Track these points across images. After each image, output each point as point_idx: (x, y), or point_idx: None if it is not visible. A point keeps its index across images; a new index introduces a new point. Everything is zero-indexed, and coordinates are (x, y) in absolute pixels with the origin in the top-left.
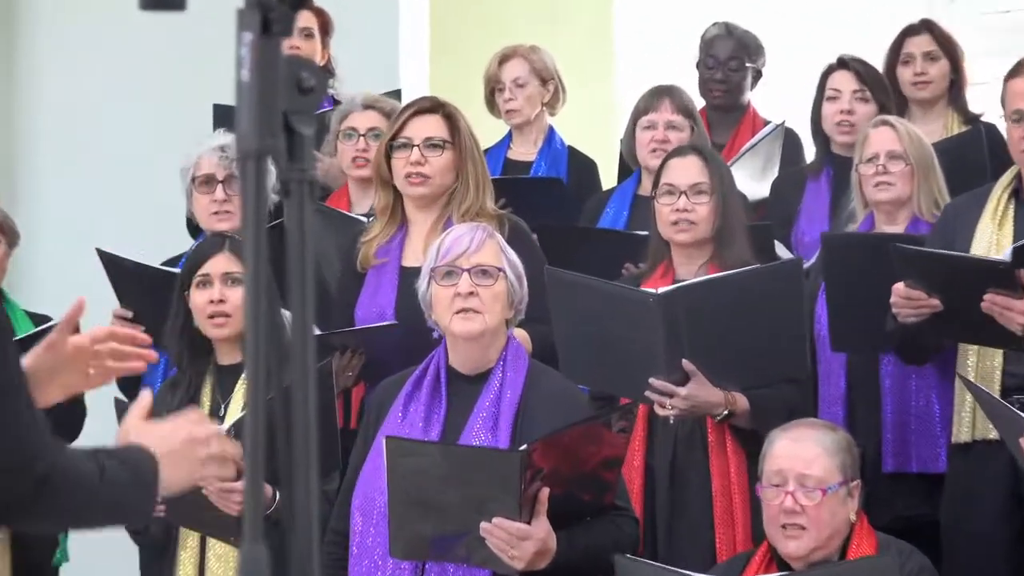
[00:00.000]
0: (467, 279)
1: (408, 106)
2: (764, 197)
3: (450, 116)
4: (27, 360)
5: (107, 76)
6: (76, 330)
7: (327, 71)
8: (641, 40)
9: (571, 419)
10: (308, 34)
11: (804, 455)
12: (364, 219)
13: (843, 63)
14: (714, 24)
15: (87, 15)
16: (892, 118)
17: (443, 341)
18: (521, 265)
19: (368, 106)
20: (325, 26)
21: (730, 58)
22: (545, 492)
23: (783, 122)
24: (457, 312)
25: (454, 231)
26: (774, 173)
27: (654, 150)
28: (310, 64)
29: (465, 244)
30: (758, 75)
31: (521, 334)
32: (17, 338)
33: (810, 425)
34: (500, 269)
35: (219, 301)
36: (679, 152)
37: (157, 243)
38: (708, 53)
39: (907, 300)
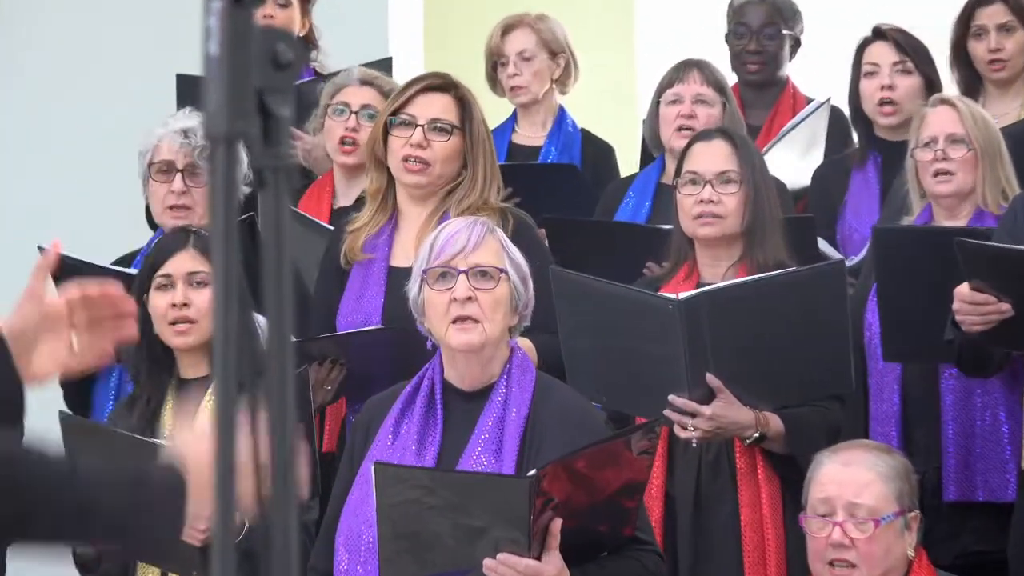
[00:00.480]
0: (464, 282)
1: (416, 80)
2: (807, 185)
3: (463, 99)
4: (12, 318)
5: (57, 45)
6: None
7: (308, 42)
8: (665, 9)
9: (585, 440)
10: (283, 3)
11: (855, 481)
12: (330, 228)
13: (879, 33)
14: None
15: None
16: (953, 96)
17: (438, 352)
18: (526, 264)
19: (366, 82)
20: None
21: (764, 25)
22: (557, 523)
23: (828, 98)
24: (454, 321)
25: (449, 226)
26: (819, 158)
27: (680, 128)
28: (287, 36)
29: (462, 242)
30: (797, 44)
31: (526, 345)
32: None
33: (862, 447)
34: (502, 270)
35: (182, 305)
36: (704, 136)
37: (111, 237)
38: (738, 21)
39: (973, 305)
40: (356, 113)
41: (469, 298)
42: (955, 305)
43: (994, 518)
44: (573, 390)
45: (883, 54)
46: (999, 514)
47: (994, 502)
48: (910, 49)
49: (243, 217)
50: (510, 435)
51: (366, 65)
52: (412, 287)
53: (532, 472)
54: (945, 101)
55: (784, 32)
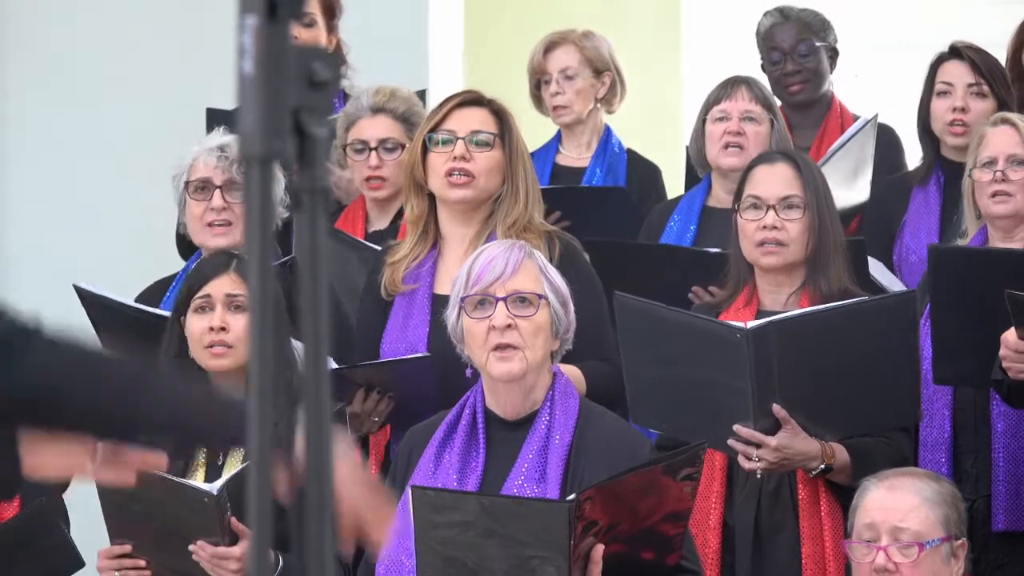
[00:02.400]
0: (503, 310)
1: (451, 97)
2: (857, 204)
3: (499, 112)
4: None
5: (85, 74)
6: None
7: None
8: (712, 29)
9: (630, 466)
10: (308, 22)
11: (900, 506)
12: (377, 247)
13: (956, 52)
14: (765, 14)
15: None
16: (1015, 116)
17: (479, 381)
18: (566, 288)
19: (377, 109)
20: (330, 8)
21: (797, 43)
22: (599, 549)
23: (876, 115)
24: (494, 349)
25: (485, 251)
26: (868, 176)
27: (727, 145)
28: (324, 53)
29: (499, 268)
30: (834, 53)
31: (574, 373)
32: None
33: (909, 474)
34: (541, 296)
35: (219, 329)
36: (766, 158)
37: (142, 269)
38: (771, 47)
39: (1019, 354)
40: (375, 149)
41: (509, 326)
42: (1002, 352)
43: None
44: (618, 417)
45: (958, 74)
46: None
47: None
48: (986, 71)
49: (285, 260)
50: (554, 463)
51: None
52: (451, 315)
53: (572, 496)
54: (1007, 120)
55: (818, 45)
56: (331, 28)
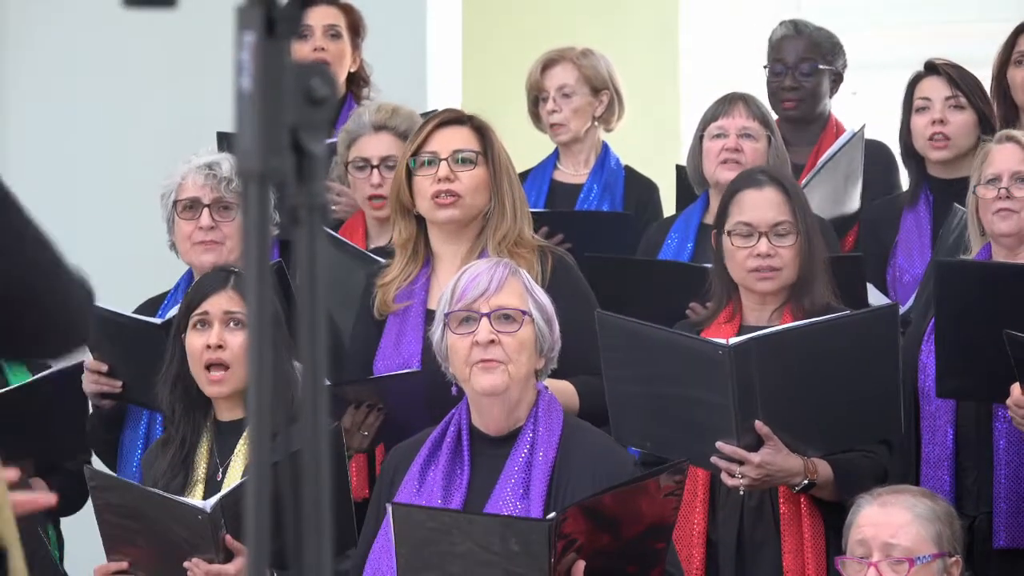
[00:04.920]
0: (487, 326)
1: (431, 118)
2: (850, 214)
3: (480, 128)
4: None
5: (80, 87)
6: None
7: (360, 79)
8: (710, 48)
9: (613, 482)
10: (335, 33)
11: (892, 522)
12: (381, 259)
13: (932, 68)
14: (781, 23)
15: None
16: (1019, 133)
17: (464, 398)
18: (551, 306)
19: (379, 127)
20: (355, 26)
21: (801, 60)
22: (580, 566)
23: (863, 126)
24: (477, 364)
25: (470, 269)
26: (858, 186)
27: (724, 161)
28: (322, 70)
29: (484, 284)
30: (837, 79)
31: (566, 388)
32: (14, 387)
33: (903, 491)
34: (525, 312)
35: (217, 347)
36: (753, 181)
37: (136, 288)
38: (776, 58)
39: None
40: (377, 167)
41: (492, 341)
42: (1008, 402)
43: None
44: (602, 432)
45: (935, 89)
46: None
47: None
48: (963, 84)
49: (272, 263)
50: (537, 479)
51: None
52: (435, 331)
53: (552, 515)
54: (1012, 138)
55: (822, 67)
56: (355, 46)
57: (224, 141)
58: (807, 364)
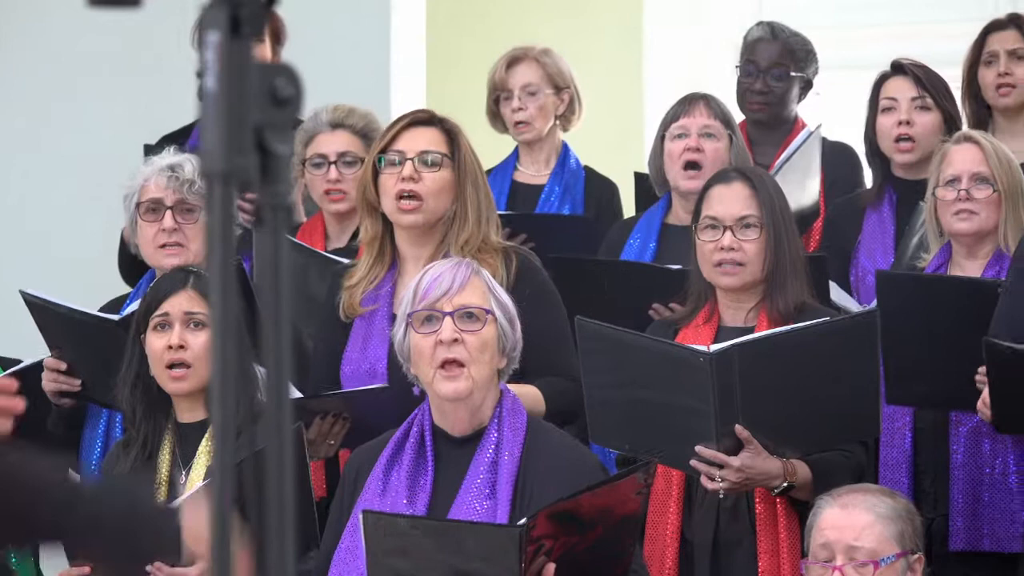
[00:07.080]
0: (450, 324)
1: (401, 117)
2: (808, 206)
3: (450, 131)
4: None
5: (37, 87)
6: None
7: None
8: (675, 48)
9: (579, 482)
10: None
11: (854, 524)
12: (343, 260)
13: (898, 68)
14: (758, 24)
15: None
16: (977, 133)
17: (426, 399)
18: (513, 306)
19: (336, 124)
20: (276, 33)
21: (772, 65)
22: (550, 568)
23: (819, 125)
24: (441, 366)
25: (432, 269)
26: (816, 184)
27: (687, 164)
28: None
29: (447, 284)
30: (807, 85)
31: (529, 392)
32: None
33: (863, 490)
34: (488, 311)
35: (178, 347)
36: (722, 178)
37: (89, 292)
38: (748, 59)
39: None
40: (335, 163)
41: (455, 340)
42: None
43: (1000, 568)
44: (565, 433)
45: (901, 89)
46: (1006, 564)
47: (1001, 552)
48: (929, 84)
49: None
50: (503, 480)
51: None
52: (398, 332)
53: (522, 521)
54: (969, 138)
55: (793, 74)
56: (275, 52)
57: (150, 154)
58: (788, 370)
